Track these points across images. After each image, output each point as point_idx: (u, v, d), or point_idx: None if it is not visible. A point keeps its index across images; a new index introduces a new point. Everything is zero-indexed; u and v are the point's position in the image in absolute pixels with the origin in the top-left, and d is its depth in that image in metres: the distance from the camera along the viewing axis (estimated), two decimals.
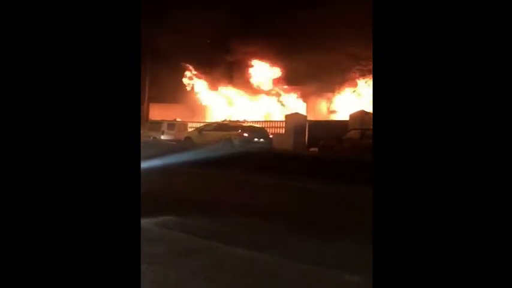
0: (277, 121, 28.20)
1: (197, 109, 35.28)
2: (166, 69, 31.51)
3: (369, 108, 23.90)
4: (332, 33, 26.83)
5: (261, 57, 33.16)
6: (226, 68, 34.08)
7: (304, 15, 28.37)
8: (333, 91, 31.83)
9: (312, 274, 4.27)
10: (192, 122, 29.69)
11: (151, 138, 25.49)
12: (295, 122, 25.86)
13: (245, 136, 22.04)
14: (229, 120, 27.42)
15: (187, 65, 35.12)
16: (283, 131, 26.27)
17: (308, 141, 25.13)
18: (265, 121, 28.93)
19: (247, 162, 14.55)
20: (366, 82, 29.53)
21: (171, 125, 27.20)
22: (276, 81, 34.01)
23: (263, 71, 34.15)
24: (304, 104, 33.15)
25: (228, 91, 35.28)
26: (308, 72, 30.13)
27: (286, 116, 27.22)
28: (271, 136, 23.64)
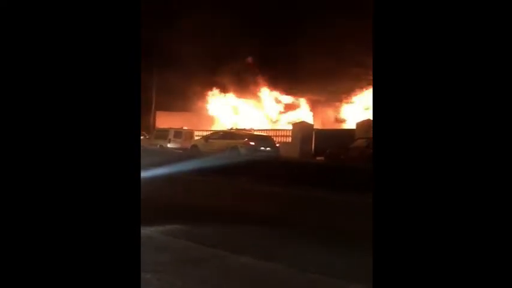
0: (284, 129, 28.20)
1: (204, 117, 35.35)
2: (175, 77, 31.60)
3: None
4: (340, 41, 26.90)
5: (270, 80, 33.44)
6: (236, 76, 34.22)
7: (313, 23, 28.45)
8: (340, 100, 31.84)
9: (321, 284, 4.24)
10: (198, 130, 29.73)
11: (158, 146, 25.54)
12: (302, 131, 25.87)
13: (251, 144, 22.02)
14: (236, 129, 27.44)
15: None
16: (290, 140, 26.27)
17: (315, 149, 25.10)
18: (272, 129, 28.94)
19: (253, 170, 14.54)
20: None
21: (178, 133, 27.24)
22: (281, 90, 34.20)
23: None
24: (311, 113, 33.22)
25: (235, 100, 35.41)
26: (315, 81, 30.15)
27: (293, 125, 27.23)
28: (277, 144, 23.63)
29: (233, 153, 20.69)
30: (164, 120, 32.93)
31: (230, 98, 35.50)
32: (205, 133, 27.47)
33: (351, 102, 31.43)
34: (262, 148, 22.03)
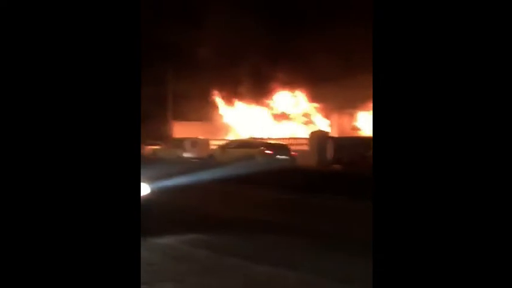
0: (301, 138, 28.14)
1: (220, 126, 35.45)
2: (192, 87, 31.77)
3: None
4: (357, 49, 26.82)
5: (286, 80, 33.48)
6: (252, 84, 34.34)
7: (329, 32, 28.46)
8: (355, 107, 31.69)
9: None
10: (214, 139, 29.82)
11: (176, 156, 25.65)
12: (318, 139, 25.79)
13: (268, 153, 22.00)
14: (253, 138, 27.46)
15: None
16: (307, 148, 26.21)
17: (333, 157, 24.99)
18: (289, 138, 28.91)
19: (270, 179, 14.49)
20: None
21: (194, 142, 27.37)
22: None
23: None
24: (328, 121, 33.17)
25: (251, 109, 35.50)
26: (331, 89, 30.07)
27: (311, 133, 27.20)
28: (294, 153, 23.56)
29: (250, 162, 20.68)
30: (180, 130, 33.07)
31: (246, 106, 35.57)
32: (221, 142, 27.52)
33: (367, 110, 31.28)
34: (279, 156, 21.99)
